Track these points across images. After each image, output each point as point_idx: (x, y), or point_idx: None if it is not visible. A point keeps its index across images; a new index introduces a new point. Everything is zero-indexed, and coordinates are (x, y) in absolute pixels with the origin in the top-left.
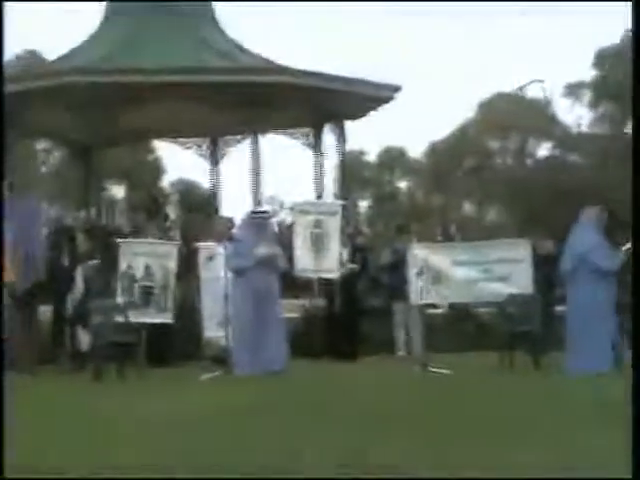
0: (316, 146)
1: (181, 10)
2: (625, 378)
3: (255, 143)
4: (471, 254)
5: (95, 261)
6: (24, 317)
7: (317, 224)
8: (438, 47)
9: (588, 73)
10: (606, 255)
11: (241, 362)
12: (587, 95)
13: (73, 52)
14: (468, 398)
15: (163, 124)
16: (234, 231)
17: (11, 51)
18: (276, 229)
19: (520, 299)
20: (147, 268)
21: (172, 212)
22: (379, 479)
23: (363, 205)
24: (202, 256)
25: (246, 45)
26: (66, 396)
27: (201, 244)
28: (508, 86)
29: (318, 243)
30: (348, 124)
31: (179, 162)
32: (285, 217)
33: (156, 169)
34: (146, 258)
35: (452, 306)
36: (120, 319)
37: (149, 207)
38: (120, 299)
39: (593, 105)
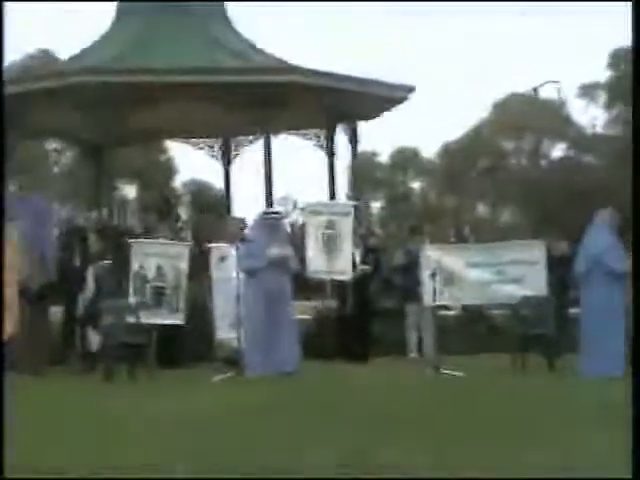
0: (328, 147)
1: (193, 10)
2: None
3: (267, 144)
4: (485, 255)
5: (106, 261)
6: (34, 317)
7: (329, 225)
8: (453, 47)
9: (603, 74)
10: (620, 257)
11: (253, 363)
12: (602, 96)
13: (84, 52)
14: (480, 400)
15: (175, 124)
16: (246, 232)
17: (22, 51)
18: (288, 230)
19: (534, 301)
20: (159, 269)
21: (184, 213)
22: (380, 479)
23: (376, 206)
24: (214, 257)
25: (257, 45)
26: (76, 396)
27: (213, 245)
28: (523, 87)
29: (330, 244)
30: (361, 125)
31: (191, 162)
32: (297, 218)
33: (168, 169)
34: (158, 259)
35: (465, 308)
36: (131, 320)
37: (161, 207)
38: (132, 300)
39: (608, 106)
